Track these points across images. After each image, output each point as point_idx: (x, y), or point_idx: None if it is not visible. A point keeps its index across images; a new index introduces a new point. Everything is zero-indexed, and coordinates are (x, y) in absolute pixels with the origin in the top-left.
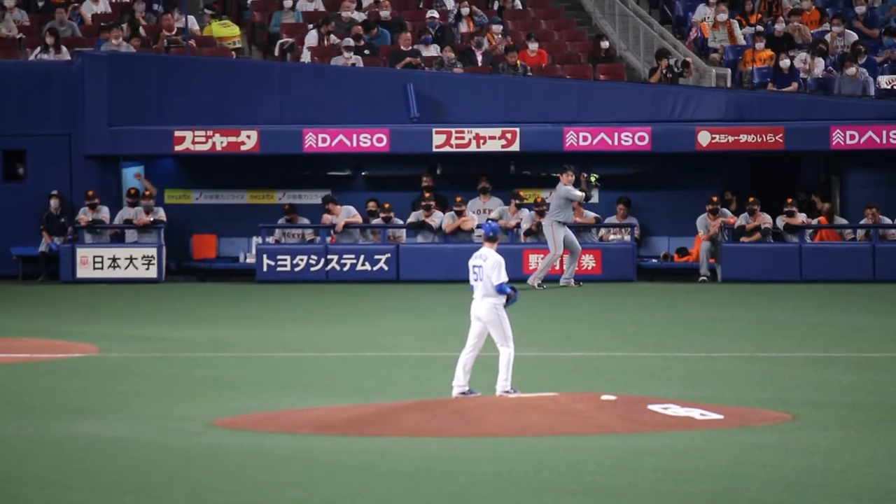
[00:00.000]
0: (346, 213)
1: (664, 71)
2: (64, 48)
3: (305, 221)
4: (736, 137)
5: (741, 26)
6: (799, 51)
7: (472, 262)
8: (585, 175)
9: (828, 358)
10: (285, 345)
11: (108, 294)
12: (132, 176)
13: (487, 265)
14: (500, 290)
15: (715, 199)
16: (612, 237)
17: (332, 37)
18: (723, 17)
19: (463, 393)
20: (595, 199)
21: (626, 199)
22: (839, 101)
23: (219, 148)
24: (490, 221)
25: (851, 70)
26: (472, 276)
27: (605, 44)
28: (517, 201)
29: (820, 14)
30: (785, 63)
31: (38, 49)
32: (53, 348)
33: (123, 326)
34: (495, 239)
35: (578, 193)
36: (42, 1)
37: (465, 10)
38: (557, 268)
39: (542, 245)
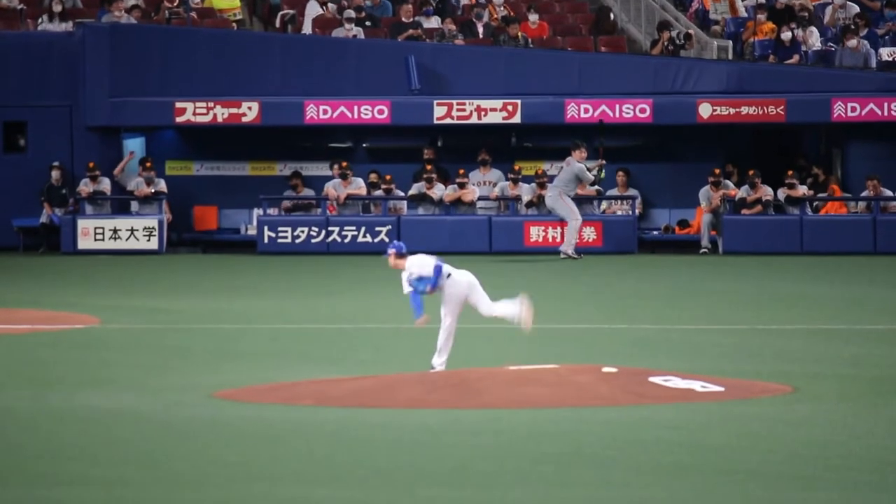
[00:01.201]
0: (356, 185)
1: (665, 43)
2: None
3: (310, 192)
4: (737, 110)
5: None
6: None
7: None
8: (603, 162)
9: (829, 330)
10: (286, 316)
11: (109, 265)
12: (134, 147)
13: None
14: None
15: (717, 171)
16: (617, 211)
17: (333, 6)
18: None
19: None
20: (585, 154)
21: (625, 169)
22: (840, 74)
23: (220, 119)
24: (395, 241)
25: (853, 42)
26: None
27: (605, 15)
28: (513, 176)
29: None
30: (786, 35)
31: (44, 17)
32: (54, 319)
33: (124, 298)
34: (404, 255)
35: (590, 177)
36: None
37: None
38: (559, 239)
39: (543, 217)
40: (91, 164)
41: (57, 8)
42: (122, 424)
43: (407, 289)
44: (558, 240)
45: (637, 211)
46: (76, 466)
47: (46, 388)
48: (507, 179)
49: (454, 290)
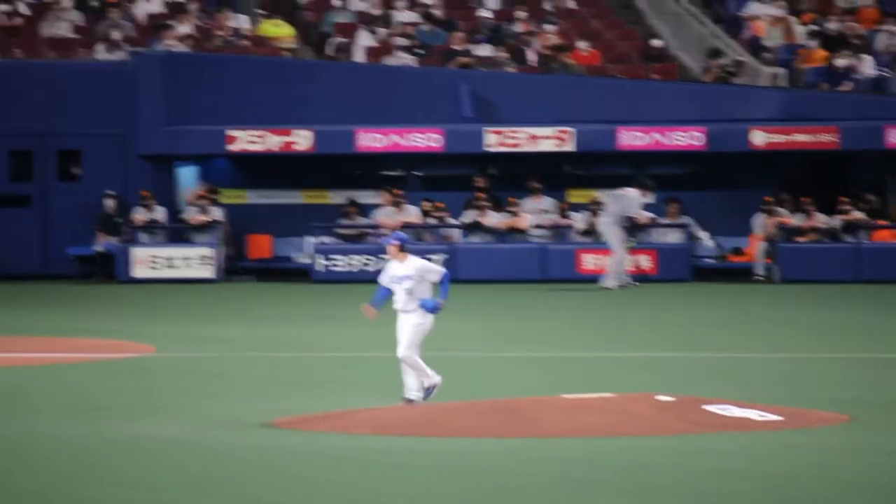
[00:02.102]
0: (409, 213)
1: (717, 70)
2: (126, 47)
3: (364, 220)
4: (790, 137)
5: None
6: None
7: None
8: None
9: (885, 359)
10: (340, 344)
11: (164, 294)
12: (188, 175)
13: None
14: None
15: (769, 199)
16: (670, 238)
17: (383, 31)
18: (780, 12)
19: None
20: (650, 199)
21: (675, 198)
22: (894, 101)
23: (272, 148)
24: (399, 232)
25: None
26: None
27: (656, 42)
28: (564, 208)
29: (880, 14)
30: (840, 62)
31: (101, 47)
32: (110, 348)
33: (179, 326)
34: (405, 250)
35: (639, 211)
36: (96, 1)
37: (522, 14)
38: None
39: (597, 245)
40: (145, 193)
41: (115, 37)
42: (178, 452)
43: (386, 280)
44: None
45: (700, 234)
46: (133, 494)
47: (102, 417)
48: (558, 212)
49: (430, 322)
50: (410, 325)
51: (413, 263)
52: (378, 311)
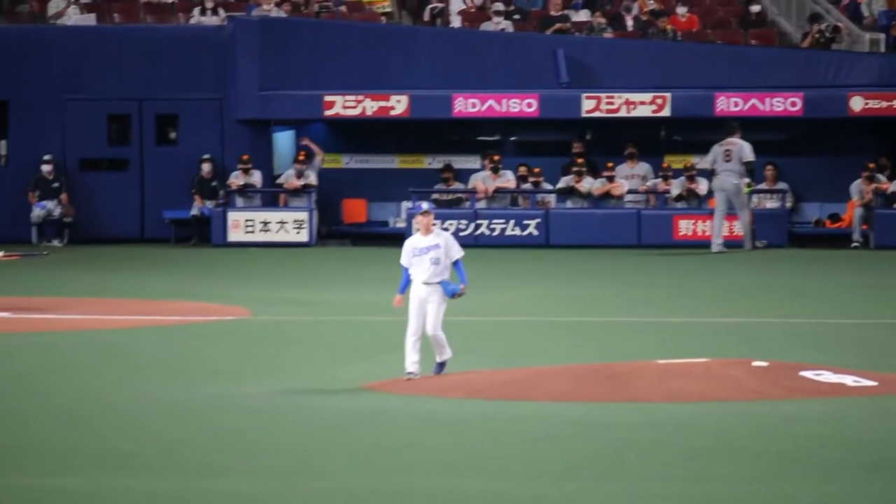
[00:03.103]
0: (504, 178)
1: (816, 35)
2: (221, 11)
3: (460, 185)
4: (889, 103)
5: None
6: None
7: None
8: (746, 180)
9: None
10: None
11: (260, 257)
12: (287, 140)
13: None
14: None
15: (871, 165)
16: (768, 204)
17: (481, 0)
18: None
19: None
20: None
21: (773, 163)
22: None
23: (369, 113)
24: (421, 203)
25: None
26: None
27: (755, 8)
28: (663, 174)
29: None
30: None
31: (196, 11)
32: (206, 311)
33: (275, 290)
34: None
35: (753, 156)
36: None
37: None
38: (708, 232)
39: (693, 210)
40: (244, 157)
41: (209, 3)
42: (276, 416)
43: (407, 259)
44: (708, 233)
45: (788, 204)
46: (229, 457)
47: (199, 380)
48: (658, 176)
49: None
50: (434, 303)
51: (441, 235)
52: (403, 296)
